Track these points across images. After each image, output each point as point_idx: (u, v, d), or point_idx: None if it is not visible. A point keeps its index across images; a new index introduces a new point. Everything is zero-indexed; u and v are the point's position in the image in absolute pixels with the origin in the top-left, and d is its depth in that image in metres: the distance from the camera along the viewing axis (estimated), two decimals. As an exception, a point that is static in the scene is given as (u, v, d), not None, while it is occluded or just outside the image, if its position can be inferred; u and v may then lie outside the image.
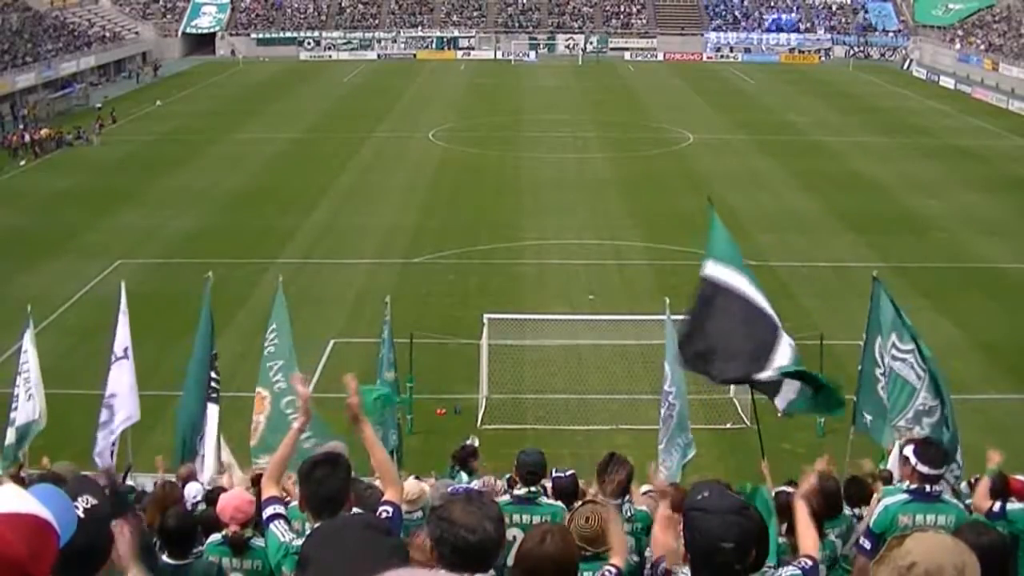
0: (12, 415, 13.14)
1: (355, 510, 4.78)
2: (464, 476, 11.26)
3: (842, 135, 49.15)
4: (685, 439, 12.43)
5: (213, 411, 12.01)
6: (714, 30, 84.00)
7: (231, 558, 6.32)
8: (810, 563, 4.45)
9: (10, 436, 13.00)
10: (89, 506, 2.83)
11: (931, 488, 6.13)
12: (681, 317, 7.80)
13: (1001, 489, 7.55)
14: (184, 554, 6.07)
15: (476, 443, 12.96)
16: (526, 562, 3.66)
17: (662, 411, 12.80)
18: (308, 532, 4.21)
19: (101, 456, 12.27)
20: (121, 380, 12.58)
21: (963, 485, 10.23)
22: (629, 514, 6.64)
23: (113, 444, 12.43)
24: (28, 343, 13.70)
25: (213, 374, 12.22)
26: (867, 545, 6.12)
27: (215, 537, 6.45)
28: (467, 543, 3.10)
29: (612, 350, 21.63)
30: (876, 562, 2.76)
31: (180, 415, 12.34)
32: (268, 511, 4.79)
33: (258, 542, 6.41)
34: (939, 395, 9.99)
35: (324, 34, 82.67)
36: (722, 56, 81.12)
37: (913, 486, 6.20)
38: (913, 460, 6.20)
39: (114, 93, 61.85)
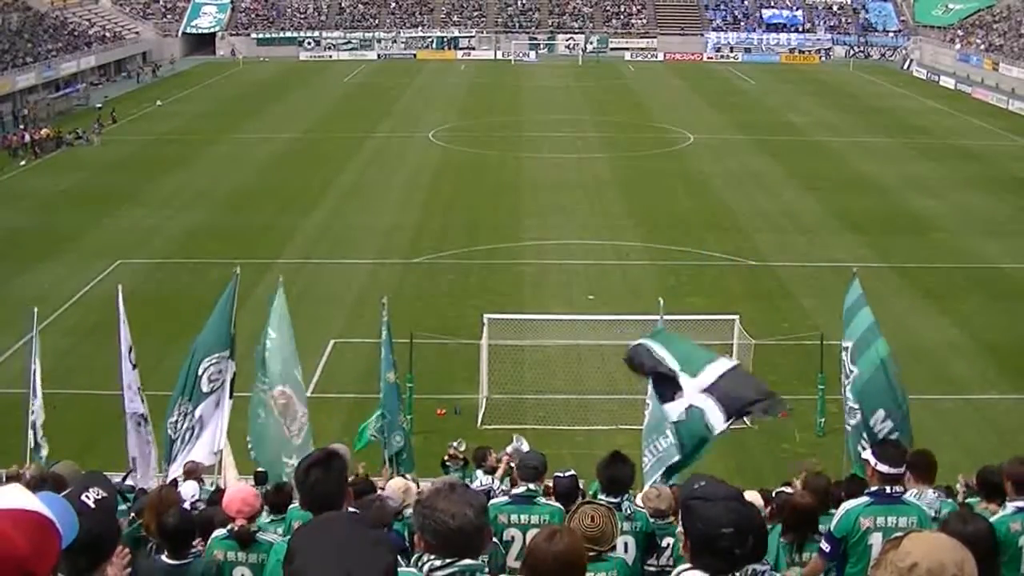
0: (32, 418, 13.22)
1: (351, 510, 4.79)
2: (480, 475, 11.29)
3: (842, 135, 49.17)
4: (666, 442, 12.01)
5: (227, 406, 11.99)
6: (714, 30, 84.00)
7: (237, 551, 6.36)
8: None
9: (31, 438, 13.11)
10: (100, 497, 2.90)
11: (892, 489, 6.04)
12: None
13: (1000, 485, 7.45)
14: (183, 554, 6.08)
15: (463, 446, 13.07)
16: (534, 561, 3.66)
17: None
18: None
19: (143, 473, 12.24)
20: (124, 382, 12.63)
21: (959, 484, 10.25)
22: (629, 512, 6.64)
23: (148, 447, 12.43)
24: (34, 346, 13.73)
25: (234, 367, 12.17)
26: (827, 548, 6.06)
27: (219, 532, 6.48)
28: (448, 528, 3.25)
29: (612, 350, 21.60)
30: (874, 566, 2.78)
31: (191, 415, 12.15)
32: None
33: (264, 536, 6.45)
34: (859, 399, 10.29)
35: (324, 34, 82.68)
36: (722, 56, 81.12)
37: (874, 488, 6.12)
38: (872, 461, 6.13)
39: (114, 93, 61.88)
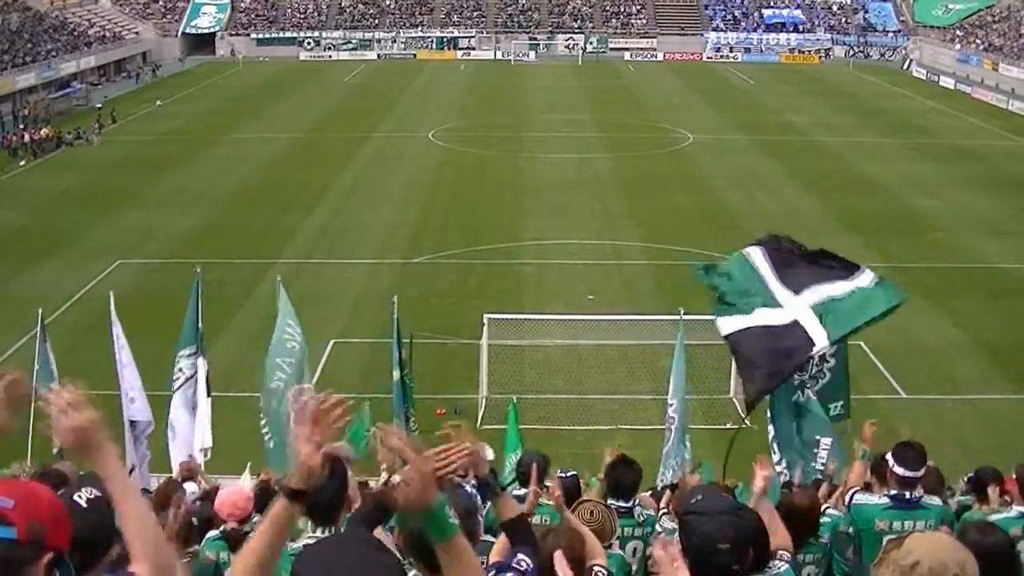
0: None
1: (355, 510, 4.78)
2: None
3: (842, 135, 49.16)
4: (684, 451, 12.56)
5: (206, 404, 12.05)
6: (714, 30, 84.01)
7: (229, 553, 6.35)
8: (788, 555, 4.46)
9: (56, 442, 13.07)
10: (92, 496, 2.91)
11: (910, 494, 5.87)
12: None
13: (992, 484, 7.38)
14: (181, 553, 6.07)
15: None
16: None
17: (665, 422, 13.11)
18: (303, 543, 4.21)
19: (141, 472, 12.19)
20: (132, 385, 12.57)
21: (961, 483, 10.22)
22: (642, 518, 6.61)
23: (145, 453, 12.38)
24: (47, 346, 13.68)
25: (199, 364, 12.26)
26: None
27: (213, 533, 6.49)
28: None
29: (612, 350, 21.63)
30: (876, 564, 2.77)
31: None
32: None
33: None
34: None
35: (324, 34, 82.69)
36: (722, 56, 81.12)
37: (893, 491, 5.97)
38: (891, 462, 5.97)
39: (114, 93, 61.89)
